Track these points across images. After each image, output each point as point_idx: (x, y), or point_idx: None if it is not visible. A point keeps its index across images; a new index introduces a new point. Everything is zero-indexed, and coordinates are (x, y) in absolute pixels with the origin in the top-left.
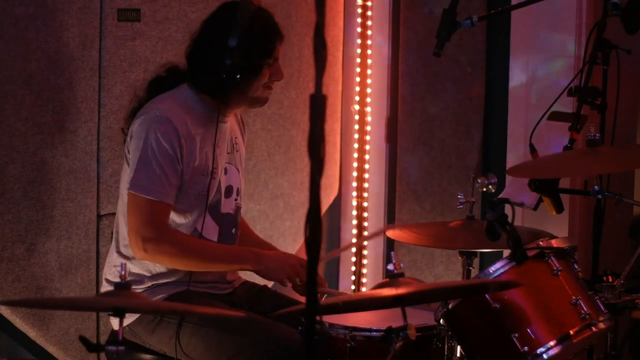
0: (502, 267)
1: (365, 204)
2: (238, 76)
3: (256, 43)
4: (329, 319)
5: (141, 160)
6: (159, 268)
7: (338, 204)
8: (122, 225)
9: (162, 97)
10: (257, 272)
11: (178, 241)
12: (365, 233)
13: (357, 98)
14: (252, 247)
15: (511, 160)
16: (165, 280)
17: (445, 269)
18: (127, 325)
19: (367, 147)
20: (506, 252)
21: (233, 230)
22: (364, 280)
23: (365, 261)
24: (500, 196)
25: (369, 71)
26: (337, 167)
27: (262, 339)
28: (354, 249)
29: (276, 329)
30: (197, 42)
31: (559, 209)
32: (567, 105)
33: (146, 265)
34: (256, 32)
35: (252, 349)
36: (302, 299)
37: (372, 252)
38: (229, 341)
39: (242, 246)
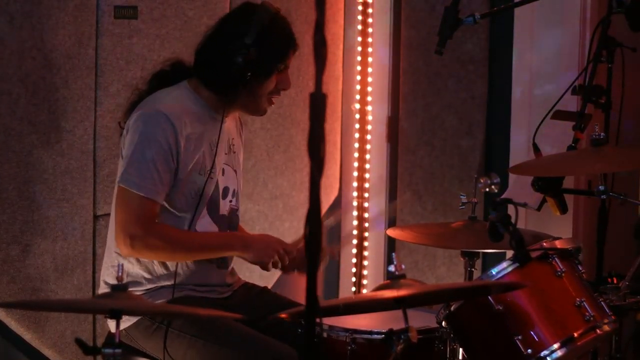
0: (505, 268)
1: (365, 205)
2: (249, 74)
3: (272, 45)
4: (329, 321)
5: (134, 155)
6: (159, 270)
7: (338, 204)
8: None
9: (162, 92)
10: (244, 257)
11: (163, 234)
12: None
13: (357, 97)
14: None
15: (514, 160)
16: (165, 283)
17: (447, 270)
18: (124, 329)
19: (368, 146)
20: (509, 253)
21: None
22: (364, 281)
23: (366, 262)
24: (503, 196)
25: (369, 69)
26: (337, 167)
27: (261, 356)
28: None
29: (274, 345)
30: (211, 37)
31: (563, 209)
32: (571, 104)
33: (145, 266)
34: (273, 35)
35: None
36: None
37: (373, 253)
38: (226, 355)
39: (228, 232)
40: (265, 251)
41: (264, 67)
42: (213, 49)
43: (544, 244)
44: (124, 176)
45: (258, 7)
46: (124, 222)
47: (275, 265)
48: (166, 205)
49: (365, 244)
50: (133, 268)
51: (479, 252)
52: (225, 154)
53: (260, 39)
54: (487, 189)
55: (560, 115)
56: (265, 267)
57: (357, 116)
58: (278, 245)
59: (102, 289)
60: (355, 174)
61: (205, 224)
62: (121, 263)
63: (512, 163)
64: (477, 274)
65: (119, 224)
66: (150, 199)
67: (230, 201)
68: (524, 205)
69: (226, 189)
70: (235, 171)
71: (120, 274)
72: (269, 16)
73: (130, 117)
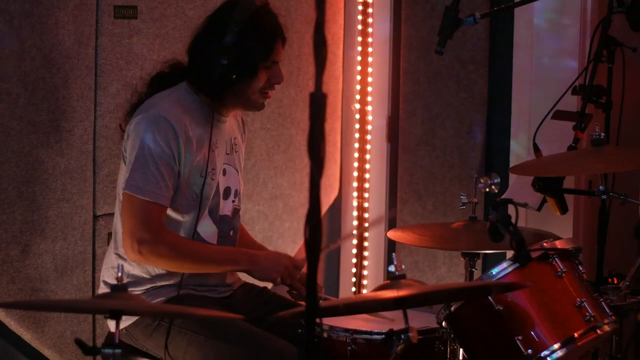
0: (505, 268)
1: (366, 205)
2: (234, 76)
3: (253, 43)
4: (329, 321)
5: (137, 160)
6: (158, 270)
7: (338, 205)
8: (121, 227)
9: (161, 95)
10: (249, 273)
11: (173, 243)
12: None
13: (357, 97)
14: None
15: (514, 160)
16: (164, 283)
17: (447, 271)
18: (125, 328)
19: (368, 146)
20: (509, 254)
21: (231, 233)
22: (364, 282)
23: (366, 262)
24: (503, 196)
25: (370, 69)
26: (337, 167)
27: (261, 352)
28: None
29: (274, 341)
30: (197, 38)
31: (563, 209)
32: (571, 104)
33: (145, 267)
34: (253, 32)
35: None
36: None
37: (373, 253)
38: (226, 352)
39: (236, 247)
40: (272, 268)
41: (247, 67)
42: (198, 50)
43: (545, 244)
44: (129, 182)
45: (238, 5)
46: (132, 228)
47: (283, 282)
48: (171, 208)
49: (365, 244)
50: (133, 270)
51: (479, 253)
52: (227, 153)
53: (241, 38)
54: (488, 189)
55: (560, 115)
56: (274, 282)
57: (357, 116)
58: (286, 260)
59: (102, 290)
60: (355, 174)
61: (205, 225)
62: (121, 264)
63: (512, 163)
64: (477, 274)
65: (126, 230)
66: (156, 204)
67: (233, 201)
68: (525, 205)
69: (227, 189)
70: (237, 171)
71: (119, 274)
72: (248, 13)
73: (131, 122)
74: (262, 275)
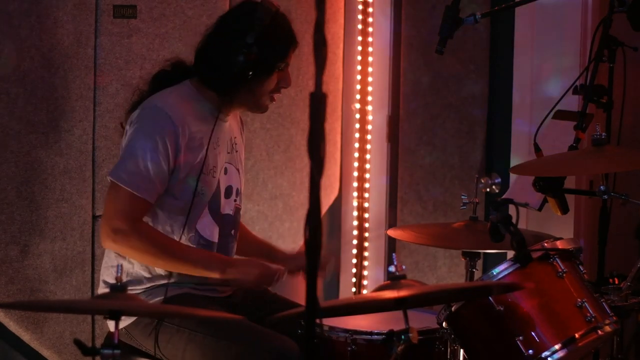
0: (506, 269)
1: (366, 205)
2: (250, 73)
3: (273, 44)
4: (330, 321)
5: (129, 151)
6: (159, 269)
7: (338, 205)
8: None
9: (165, 92)
10: (226, 280)
11: (149, 237)
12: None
13: (358, 96)
14: (252, 252)
15: (515, 160)
16: (164, 282)
17: (448, 271)
18: (124, 328)
19: (368, 146)
20: (510, 254)
21: (232, 232)
22: (365, 282)
23: (366, 263)
24: (504, 196)
25: (370, 69)
26: (337, 167)
27: (261, 348)
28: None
29: (275, 339)
30: (211, 36)
31: (564, 209)
32: (572, 103)
33: (145, 265)
34: (275, 34)
35: (249, 358)
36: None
37: (374, 253)
38: (226, 349)
39: (212, 252)
40: (247, 273)
41: (265, 66)
42: (214, 48)
43: (545, 244)
44: (116, 170)
45: (258, 6)
46: (110, 215)
47: (260, 287)
48: (170, 205)
49: (366, 244)
50: (133, 268)
51: (480, 253)
52: (228, 152)
53: (262, 38)
54: (488, 189)
55: (561, 115)
56: (256, 285)
57: (357, 116)
58: (260, 267)
59: (102, 289)
60: (355, 174)
61: (206, 223)
62: (120, 263)
63: (513, 163)
64: (478, 274)
65: (104, 216)
66: (139, 197)
67: (235, 200)
68: (525, 205)
69: (229, 188)
70: (237, 170)
71: (119, 274)
72: (270, 14)
73: (132, 114)
74: (237, 281)
